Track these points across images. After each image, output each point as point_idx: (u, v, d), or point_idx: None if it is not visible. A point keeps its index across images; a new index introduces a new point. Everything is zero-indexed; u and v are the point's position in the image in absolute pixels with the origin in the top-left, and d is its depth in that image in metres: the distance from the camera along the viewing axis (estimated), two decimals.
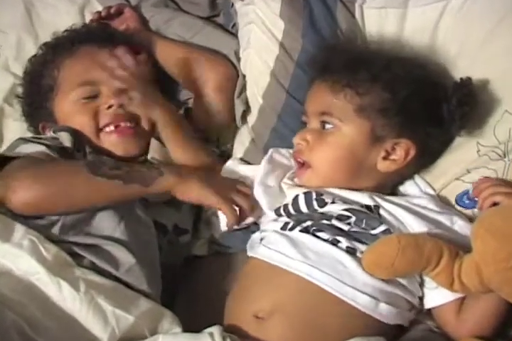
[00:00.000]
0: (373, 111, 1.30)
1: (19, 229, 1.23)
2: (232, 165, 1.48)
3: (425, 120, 1.32)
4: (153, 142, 1.52)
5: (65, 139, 1.44)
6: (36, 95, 1.58)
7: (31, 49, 1.72)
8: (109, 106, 1.49)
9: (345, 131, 1.31)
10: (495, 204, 1.21)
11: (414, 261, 1.16)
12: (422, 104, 1.31)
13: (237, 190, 1.36)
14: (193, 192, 1.33)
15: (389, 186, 1.38)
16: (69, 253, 1.23)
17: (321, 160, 1.33)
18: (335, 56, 1.36)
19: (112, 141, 1.49)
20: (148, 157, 1.50)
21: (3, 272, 1.18)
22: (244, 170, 1.46)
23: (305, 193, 1.31)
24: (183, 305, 1.39)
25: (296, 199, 1.32)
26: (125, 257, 1.27)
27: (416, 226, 1.26)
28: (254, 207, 1.36)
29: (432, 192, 1.37)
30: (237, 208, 1.34)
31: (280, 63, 1.52)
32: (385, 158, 1.32)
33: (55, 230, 1.28)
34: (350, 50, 1.39)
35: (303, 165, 1.35)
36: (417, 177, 1.40)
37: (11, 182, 1.27)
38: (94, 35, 1.60)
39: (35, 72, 1.60)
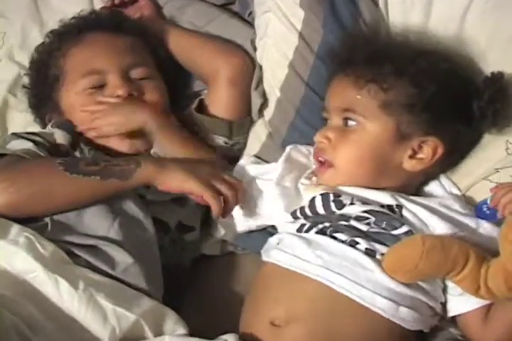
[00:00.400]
0: (399, 108, 1.25)
1: (14, 227, 1.21)
2: (245, 165, 1.43)
3: (454, 117, 1.27)
4: None
5: (60, 137, 1.41)
6: (42, 86, 1.53)
7: (37, 37, 1.67)
8: (117, 96, 1.44)
9: (369, 128, 1.26)
10: None
11: (438, 264, 1.12)
12: (451, 100, 1.26)
13: (222, 179, 1.30)
14: (173, 181, 1.28)
15: (413, 186, 1.33)
16: (65, 252, 1.21)
17: (344, 159, 1.28)
18: (358, 49, 1.31)
19: (117, 137, 1.44)
20: (152, 151, 1.46)
21: (0, 271, 1.15)
22: (257, 169, 1.41)
23: (322, 195, 1.27)
24: (192, 306, 1.36)
25: (313, 201, 1.27)
26: (122, 257, 1.23)
27: (440, 228, 1.21)
28: (240, 198, 1.31)
29: (457, 192, 1.33)
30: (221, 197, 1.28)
31: (299, 54, 1.46)
32: (411, 157, 1.27)
33: (47, 232, 1.24)
34: (374, 43, 1.34)
35: (324, 163, 1.30)
36: (442, 177, 1.35)
37: None
38: (103, 22, 1.55)
39: (41, 61, 1.55)
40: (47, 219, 1.26)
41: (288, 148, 1.41)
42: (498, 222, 1.19)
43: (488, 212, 1.23)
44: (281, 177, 1.34)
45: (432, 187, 1.35)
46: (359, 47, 1.32)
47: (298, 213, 1.29)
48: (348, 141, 1.27)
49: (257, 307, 1.22)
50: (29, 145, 1.36)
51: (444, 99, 1.26)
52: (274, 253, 1.25)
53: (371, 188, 1.27)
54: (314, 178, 1.35)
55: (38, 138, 1.39)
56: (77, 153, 1.40)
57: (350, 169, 1.28)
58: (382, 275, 1.15)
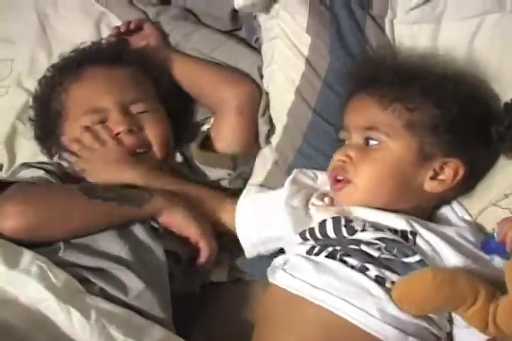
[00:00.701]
0: (423, 128, 1.25)
1: (27, 255, 1.19)
2: (248, 195, 1.42)
3: (475, 139, 1.27)
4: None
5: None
6: (46, 120, 1.54)
7: (45, 63, 1.66)
8: (117, 134, 1.44)
9: (392, 147, 1.26)
10: None
11: (447, 300, 1.11)
12: (472, 123, 1.27)
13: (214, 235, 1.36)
14: (177, 219, 1.34)
15: (429, 210, 1.32)
16: (78, 279, 1.20)
17: (365, 178, 1.26)
18: (381, 69, 1.31)
19: None
20: None
21: (9, 300, 1.14)
22: (263, 194, 1.40)
23: (333, 218, 1.25)
24: (201, 334, 1.35)
25: (323, 223, 1.26)
26: (133, 282, 1.22)
27: (452, 259, 1.19)
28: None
29: (468, 218, 1.32)
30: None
31: (306, 80, 1.46)
32: (432, 178, 1.27)
33: (60, 254, 1.25)
34: (398, 64, 1.33)
35: (342, 181, 1.29)
36: (453, 202, 1.34)
37: (1, 209, 1.23)
38: (102, 55, 1.55)
39: (44, 95, 1.56)
40: (60, 243, 1.26)
41: (294, 172, 1.40)
42: (507, 256, 1.18)
43: (495, 246, 1.21)
44: (289, 198, 1.34)
45: (444, 212, 1.34)
46: (382, 66, 1.32)
47: (307, 234, 1.27)
48: (369, 160, 1.26)
49: (267, 336, 1.21)
50: (41, 173, 1.37)
51: (466, 121, 1.26)
52: (280, 275, 1.24)
53: (387, 210, 1.26)
54: (326, 199, 1.34)
55: (49, 167, 1.40)
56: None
57: (370, 187, 1.26)
58: (390, 304, 1.14)
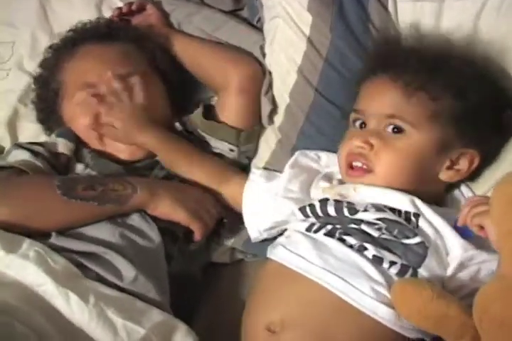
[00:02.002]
0: (446, 119, 1.23)
1: (25, 241, 1.20)
2: (255, 182, 1.41)
3: (491, 128, 1.26)
4: None
5: (63, 146, 1.43)
6: (46, 100, 1.55)
7: (46, 46, 1.64)
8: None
9: (415, 137, 1.23)
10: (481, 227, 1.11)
11: (432, 325, 1.08)
12: (489, 111, 1.25)
13: (207, 208, 1.37)
14: (163, 209, 1.33)
15: (438, 194, 1.31)
16: (75, 265, 1.20)
17: (386, 167, 1.24)
18: (407, 53, 1.28)
19: (115, 145, 1.45)
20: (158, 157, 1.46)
21: (9, 283, 1.15)
22: (267, 185, 1.39)
23: (336, 201, 1.25)
24: (202, 317, 1.35)
25: (324, 202, 1.25)
26: (125, 269, 1.22)
27: (454, 244, 1.17)
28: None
29: None
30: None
31: (308, 60, 1.45)
32: (448, 168, 1.26)
33: (52, 239, 1.25)
34: (424, 49, 1.30)
35: (359, 169, 1.26)
36: (462, 185, 1.32)
37: None
38: (96, 33, 1.55)
39: (43, 76, 1.58)
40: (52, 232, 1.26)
41: (295, 154, 1.39)
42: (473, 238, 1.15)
43: (463, 230, 1.17)
44: (289, 182, 1.33)
45: (452, 193, 1.32)
46: (407, 51, 1.29)
47: (308, 211, 1.26)
48: (392, 149, 1.23)
49: (254, 311, 1.20)
50: (27, 155, 1.37)
51: (485, 110, 1.24)
52: (278, 250, 1.23)
53: (393, 189, 1.24)
54: (335, 182, 1.32)
55: (38, 148, 1.40)
56: (79, 165, 1.42)
57: (390, 177, 1.24)
58: (385, 285, 1.13)
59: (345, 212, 1.22)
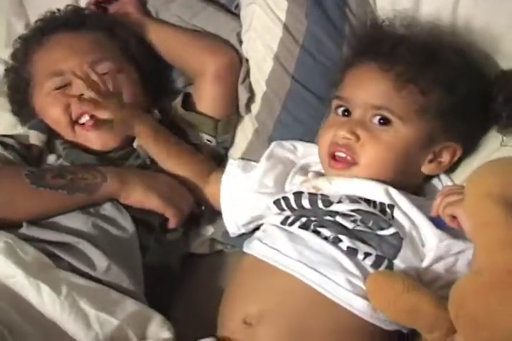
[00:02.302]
0: (433, 113, 1.21)
1: None
2: (233, 174, 1.39)
3: (475, 121, 1.24)
4: None
5: (34, 138, 1.41)
6: (18, 92, 1.53)
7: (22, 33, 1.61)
8: (81, 95, 1.41)
9: (403, 131, 1.21)
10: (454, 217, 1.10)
11: (404, 316, 1.07)
12: (476, 105, 1.23)
13: (180, 193, 1.37)
14: (135, 197, 1.32)
15: (418, 184, 1.29)
16: (46, 254, 1.19)
17: (371, 159, 1.21)
18: (396, 41, 1.24)
19: (87, 136, 1.43)
20: (134, 145, 1.45)
21: None
22: (243, 177, 1.38)
23: (310, 193, 1.23)
24: (179, 307, 1.34)
25: (298, 195, 1.23)
26: (98, 259, 1.22)
27: (429, 234, 1.16)
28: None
29: None
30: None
31: (284, 46, 1.43)
32: (430, 161, 1.24)
33: (23, 229, 1.24)
34: (412, 37, 1.26)
35: (342, 160, 1.24)
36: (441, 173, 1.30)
37: None
38: (65, 22, 1.52)
39: (13, 68, 1.55)
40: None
41: (271, 145, 1.37)
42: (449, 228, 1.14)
43: (438, 222, 1.16)
44: (264, 176, 1.32)
45: (432, 183, 1.30)
46: (396, 38, 1.26)
47: (282, 203, 1.25)
48: (379, 142, 1.20)
49: (231, 303, 1.20)
50: None
51: (474, 104, 1.22)
52: (254, 244, 1.23)
53: (369, 180, 1.22)
54: (310, 174, 1.31)
55: (8, 140, 1.39)
56: (50, 156, 1.40)
57: (374, 169, 1.22)
58: (360, 277, 1.12)
59: (320, 204, 1.21)
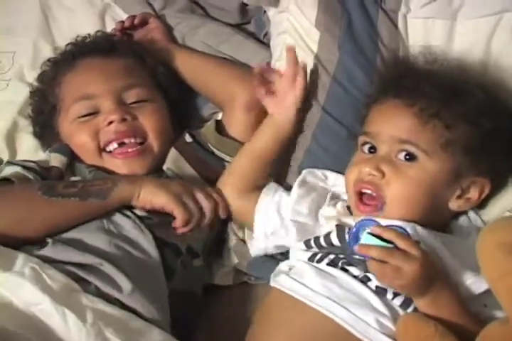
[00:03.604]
0: (460, 148, 1.19)
1: (19, 257, 1.18)
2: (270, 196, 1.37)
3: (505, 156, 1.23)
4: (173, 152, 1.46)
5: (55, 160, 1.42)
6: (43, 115, 1.52)
7: (48, 56, 1.61)
8: (110, 122, 1.41)
9: (428, 166, 1.19)
10: None
11: None
12: (505, 140, 1.22)
13: (193, 195, 1.33)
14: (144, 196, 1.30)
15: (445, 222, 1.27)
16: (73, 278, 1.18)
17: (399, 197, 1.19)
18: (419, 77, 1.24)
19: (114, 162, 1.43)
20: (164, 167, 1.45)
21: (3, 303, 1.11)
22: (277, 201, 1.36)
23: (337, 226, 1.21)
24: (204, 337, 1.33)
25: (328, 234, 1.22)
26: (121, 279, 1.20)
27: (454, 270, 1.14)
28: (221, 211, 1.36)
29: (481, 225, 1.26)
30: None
31: (315, 77, 1.41)
32: (458, 197, 1.22)
33: (48, 249, 1.23)
34: (438, 73, 1.26)
35: (371, 200, 1.22)
36: (469, 210, 1.28)
37: None
38: (96, 47, 1.52)
39: (40, 90, 1.54)
40: (49, 239, 1.24)
41: (303, 173, 1.37)
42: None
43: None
44: (296, 203, 1.30)
45: (460, 220, 1.28)
46: (420, 74, 1.25)
47: (312, 243, 1.23)
48: (404, 178, 1.19)
49: (258, 335, 1.18)
50: (18, 169, 1.36)
51: (500, 139, 1.21)
52: (282, 278, 1.21)
53: (395, 219, 1.19)
54: (339, 205, 1.29)
55: (29, 164, 1.40)
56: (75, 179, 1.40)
57: (401, 207, 1.20)
58: (389, 317, 1.11)
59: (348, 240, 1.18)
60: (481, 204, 1.28)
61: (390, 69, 1.32)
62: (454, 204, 1.23)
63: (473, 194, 1.23)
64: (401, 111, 1.22)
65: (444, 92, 1.20)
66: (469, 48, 1.35)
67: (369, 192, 1.21)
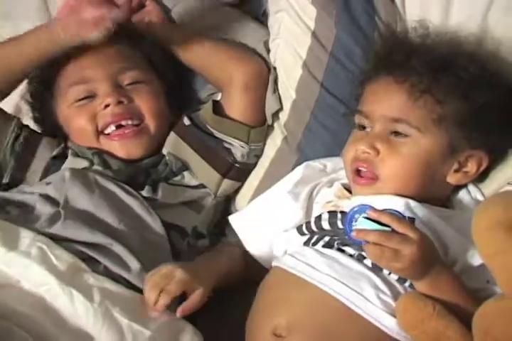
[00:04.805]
0: (452, 122, 1.19)
1: (26, 236, 1.19)
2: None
3: (500, 128, 1.22)
4: (171, 135, 1.47)
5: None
6: (41, 100, 1.54)
7: None
8: (106, 106, 1.42)
9: (422, 142, 1.20)
10: None
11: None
12: (499, 112, 1.21)
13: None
14: None
15: (445, 196, 1.27)
16: (82, 258, 1.19)
17: (393, 174, 1.20)
18: (411, 52, 1.23)
19: (111, 145, 1.44)
20: (164, 151, 1.46)
21: (11, 284, 1.14)
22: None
23: (329, 212, 1.22)
24: (208, 317, 1.31)
25: (319, 217, 1.23)
26: (131, 259, 1.22)
27: (454, 241, 1.15)
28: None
29: (481, 199, 1.27)
30: None
31: (313, 54, 1.42)
32: (456, 171, 1.23)
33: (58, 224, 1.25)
34: (429, 48, 1.25)
35: (365, 175, 1.23)
36: (469, 184, 1.29)
37: None
38: None
39: (37, 76, 1.54)
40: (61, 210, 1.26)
41: (300, 169, 1.35)
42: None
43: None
44: (294, 187, 1.32)
45: (460, 194, 1.29)
46: (411, 50, 1.24)
47: (304, 229, 1.25)
48: (399, 155, 1.20)
49: (259, 316, 1.19)
50: None
51: (494, 111, 1.20)
52: (283, 258, 1.23)
53: (390, 194, 1.20)
54: (335, 184, 1.29)
55: None
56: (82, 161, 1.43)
57: (396, 182, 1.20)
58: (389, 293, 1.12)
59: (340, 225, 1.20)
60: (481, 178, 1.28)
61: (382, 46, 1.32)
62: (452, 178, 1.23)
63: (471, 167, 1.23)
64: (393, 88, 1.22)
65: (433, 67, 1.20)
66: (465, 22, 1.33)
67: (364, 170, 1.22)
